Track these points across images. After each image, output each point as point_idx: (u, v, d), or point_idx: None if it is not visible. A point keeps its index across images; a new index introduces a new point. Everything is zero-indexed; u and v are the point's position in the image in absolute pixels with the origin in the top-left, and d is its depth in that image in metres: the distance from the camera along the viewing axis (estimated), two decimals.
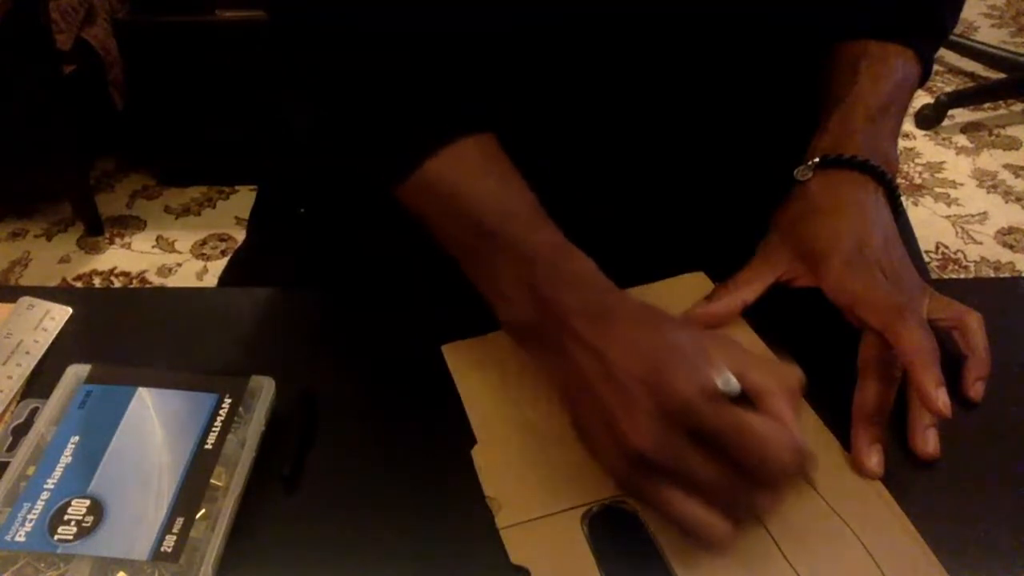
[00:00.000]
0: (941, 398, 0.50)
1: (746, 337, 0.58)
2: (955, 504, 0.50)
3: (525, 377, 0.55)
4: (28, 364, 0.58)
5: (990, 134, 2.27)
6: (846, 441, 0.51)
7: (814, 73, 0.68)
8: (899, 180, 2.42)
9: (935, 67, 2.62)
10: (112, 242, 1.94)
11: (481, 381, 0.55)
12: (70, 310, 0.62)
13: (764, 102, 0.68)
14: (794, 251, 0.59)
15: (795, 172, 0.61)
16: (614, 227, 0.65)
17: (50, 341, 0.60)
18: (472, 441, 0.52)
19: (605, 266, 0.53)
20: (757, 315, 0.59)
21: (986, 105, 2.37)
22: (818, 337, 0.58)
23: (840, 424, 0.52)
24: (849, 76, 0.64)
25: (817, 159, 0.60)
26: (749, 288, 0.59)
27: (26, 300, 0.62)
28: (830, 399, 0.53)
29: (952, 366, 0.57)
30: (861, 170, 0.59)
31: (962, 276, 1.80)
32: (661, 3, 0.58)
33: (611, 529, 0.48)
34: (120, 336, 0.61)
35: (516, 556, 0.46)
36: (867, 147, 0.60)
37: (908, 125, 2.29)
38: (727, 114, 0.67)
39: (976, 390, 0.55)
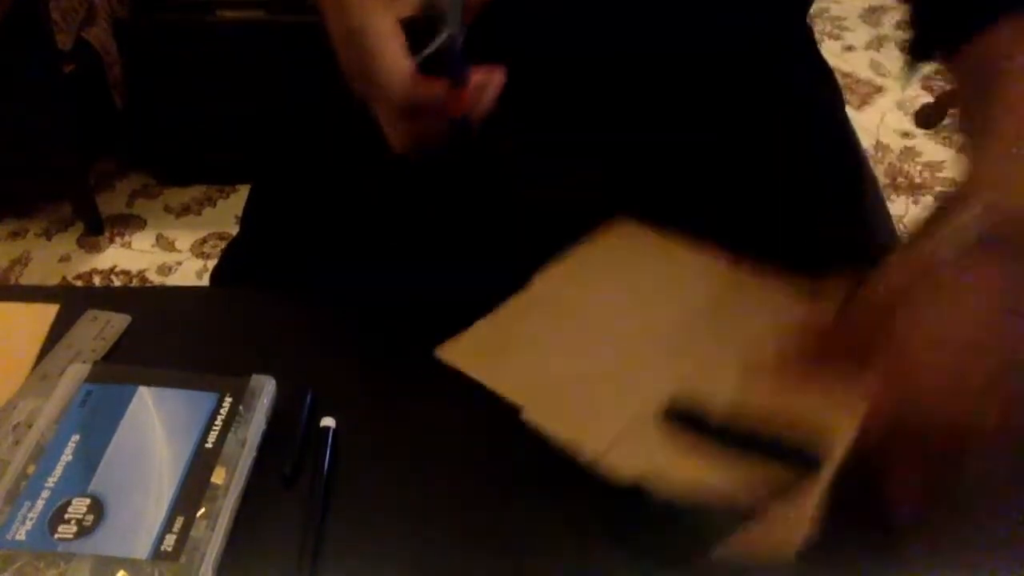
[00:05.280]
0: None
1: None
2: (953, 505, 0.49)
3: (525, 350, 0.56)
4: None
5: None
6: None
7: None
8: (899, 179, 2.38)
9: (935, 66, 2.61)
10: (112, 241, 1.94)
11: (489, 360, 0.55)
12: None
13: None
14: None
15: None
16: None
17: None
18: (470, 441, 0.53)
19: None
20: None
21: None
22: None
23: None
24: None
25: None
26: None
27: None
28: None
29: None
30: None
31: None
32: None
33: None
34: (120, 335, 0.61)
35: (628, 472, 0.47)
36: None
37: (908, 124, 2.29)
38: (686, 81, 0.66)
39: None
